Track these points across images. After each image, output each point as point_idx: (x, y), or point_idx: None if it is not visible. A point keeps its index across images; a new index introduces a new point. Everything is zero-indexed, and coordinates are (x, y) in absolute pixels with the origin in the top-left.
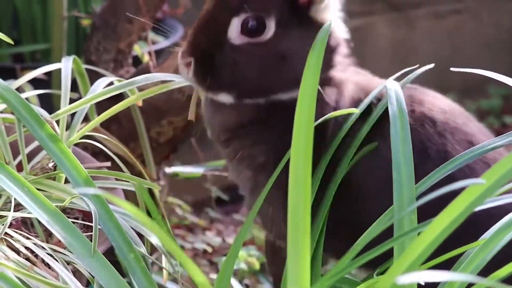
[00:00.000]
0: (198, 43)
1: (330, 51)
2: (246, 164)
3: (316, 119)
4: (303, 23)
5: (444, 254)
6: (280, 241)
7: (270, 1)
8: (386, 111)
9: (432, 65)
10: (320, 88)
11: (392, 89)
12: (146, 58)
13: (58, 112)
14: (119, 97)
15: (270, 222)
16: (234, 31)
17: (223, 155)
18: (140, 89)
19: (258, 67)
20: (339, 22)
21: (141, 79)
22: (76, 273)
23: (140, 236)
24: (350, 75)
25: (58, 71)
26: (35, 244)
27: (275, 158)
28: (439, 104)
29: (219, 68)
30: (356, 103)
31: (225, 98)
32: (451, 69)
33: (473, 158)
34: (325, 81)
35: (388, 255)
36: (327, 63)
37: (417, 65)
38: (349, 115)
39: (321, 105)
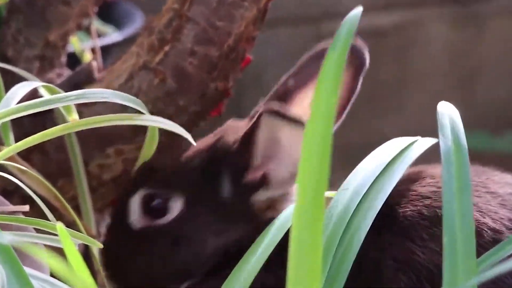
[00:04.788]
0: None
1: None
2: None
3: None
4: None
5: None
6: None
7: (178, 176)
8: None
9: None
10: None
11: (446, 114)
12: (87, 57)
13: None
14: (47, 112)
15: None
16: (136, 214)
17: None
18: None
19: (155, 256)
20: None
21: (77, 94)
22: None
23: None
24: None
25: None
26: None
27: None
28: None
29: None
30: None
31: None
32: None
33: None
34: None
35: None
36: None
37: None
38: None
39: None
